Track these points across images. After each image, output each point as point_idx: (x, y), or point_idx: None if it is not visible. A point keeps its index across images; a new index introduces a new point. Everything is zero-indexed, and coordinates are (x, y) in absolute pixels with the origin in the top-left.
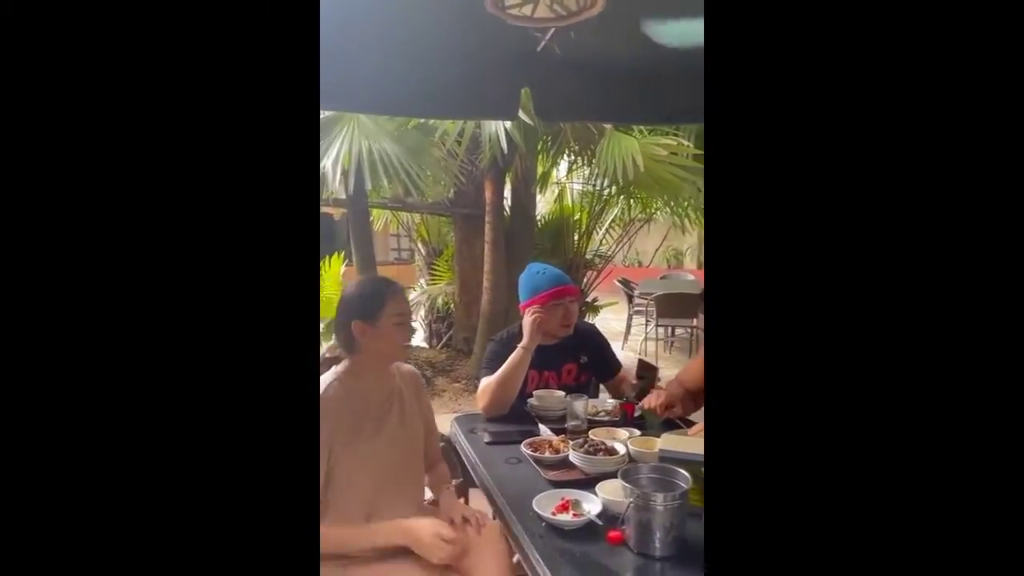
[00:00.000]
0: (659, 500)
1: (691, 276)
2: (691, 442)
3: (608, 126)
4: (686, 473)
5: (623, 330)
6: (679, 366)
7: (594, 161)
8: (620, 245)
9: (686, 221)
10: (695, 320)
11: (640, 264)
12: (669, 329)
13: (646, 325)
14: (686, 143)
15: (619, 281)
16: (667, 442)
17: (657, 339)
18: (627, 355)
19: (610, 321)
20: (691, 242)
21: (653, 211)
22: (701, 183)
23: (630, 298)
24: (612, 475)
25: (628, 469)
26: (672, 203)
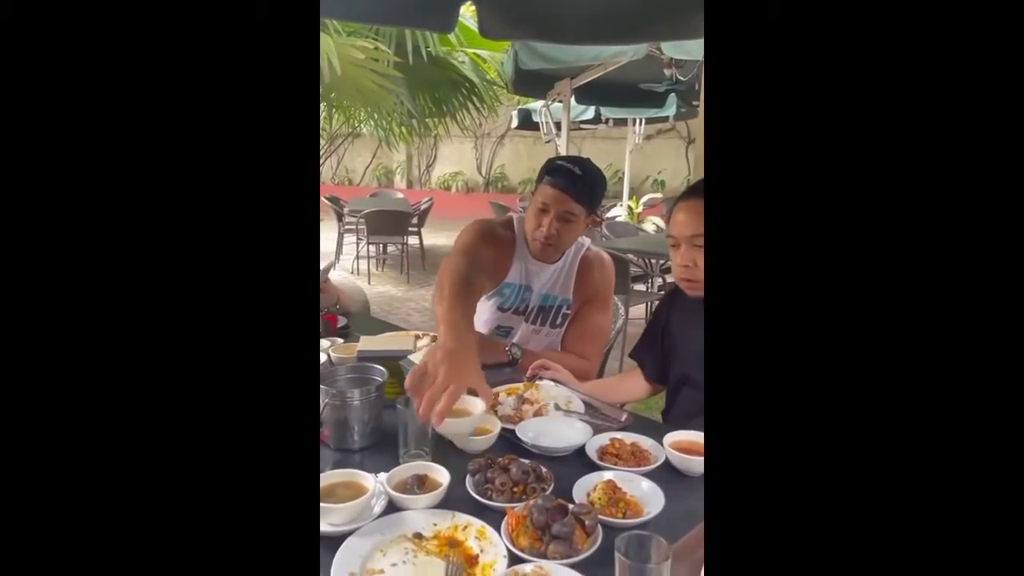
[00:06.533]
0: (355, 396)
1: (400, 194)
2: (389, 340)
3: None
4: (383, 368)
5: (333, 248)
6: (392, 282)
7: None
8: (325, 159)
9: (391, 136)
10: (406, 236)
11: (351, 183)
12: (381, 247)
13: (357, 243)
14: (385, 48)
15: (327, 198)
16: (364, 343)
17: (369, 257)
18: (340, 274)
19: (321, 240)
20: (400, 160)
21: (358, 124)
22: (403, 94)
23: (340, 216)
24: None
25: (327, 372)
26: (376, 116)
